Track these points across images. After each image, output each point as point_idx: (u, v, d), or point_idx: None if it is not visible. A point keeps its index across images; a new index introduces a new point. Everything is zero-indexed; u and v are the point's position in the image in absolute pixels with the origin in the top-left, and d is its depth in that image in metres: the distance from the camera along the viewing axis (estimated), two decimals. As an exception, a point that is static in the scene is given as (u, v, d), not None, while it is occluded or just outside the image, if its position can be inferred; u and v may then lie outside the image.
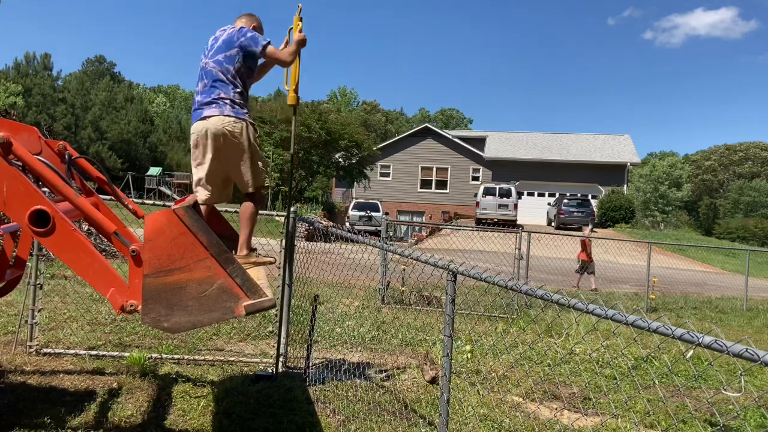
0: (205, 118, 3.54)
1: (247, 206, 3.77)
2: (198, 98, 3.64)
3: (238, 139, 3.54)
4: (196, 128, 3.57)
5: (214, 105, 3.54)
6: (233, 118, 3.52)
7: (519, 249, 9.85)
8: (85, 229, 8.42)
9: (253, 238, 3.85)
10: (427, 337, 7.03)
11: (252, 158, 3.62)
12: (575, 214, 28.04)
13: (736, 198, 60.41)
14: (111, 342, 5.70)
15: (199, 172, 3.71)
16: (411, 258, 3.36)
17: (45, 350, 5.19)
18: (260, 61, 3.88)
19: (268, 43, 3.66)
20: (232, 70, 3.59)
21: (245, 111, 3.63)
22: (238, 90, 3.61)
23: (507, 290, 3.92)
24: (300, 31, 4.10)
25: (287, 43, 4.16)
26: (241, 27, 3.69)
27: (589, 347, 6.76)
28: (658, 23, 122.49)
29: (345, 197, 39.72)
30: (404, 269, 9.95)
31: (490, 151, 39.59)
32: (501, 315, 8.74)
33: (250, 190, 3.71)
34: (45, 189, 2.77)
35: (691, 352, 6.40)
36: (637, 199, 51.07)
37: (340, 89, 76.75)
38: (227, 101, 3.54)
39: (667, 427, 4.61)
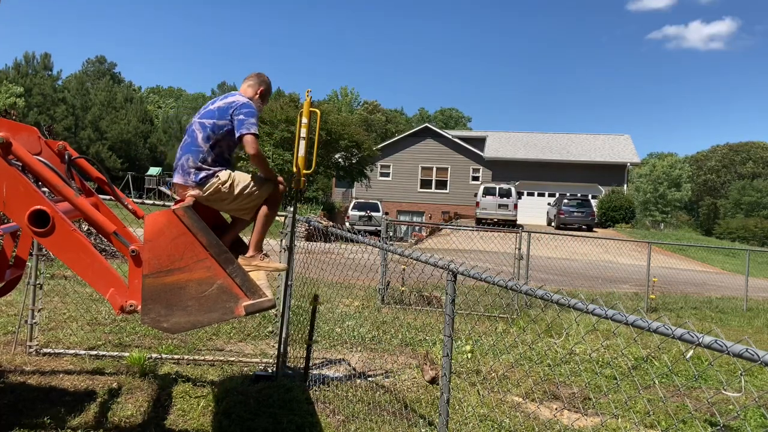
0: (177, 185, 3.47)
1: (262, 207, 3.62)
2: (178, 153, 3.55)
3: (217, 198, 3.42)
4: (178, 191, 3.51)
5: (181, 173, 3.43)
6: (200, 187, 3.38)
7: (519, 249, 9.85)
8: (85, 229, 8.42)
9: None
10: (427, 337, 7.03)
11: (239, 198, 3.45)
12: (575, 214, 28.04)
13: (738, 198, 60.44)
14: (111, 342, 5.70)
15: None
16: (411, 258, 3.36)
17: (45, 350, 5.19)
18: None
19: (252, 134, 3.42)
20: (212, 139, 3.42)
21: (217, 167, 3.44)
22: (208, 158, 3.43)
23: (507, 290, 3.92)
24: (306, 118, 4.09)
25: (300, 125, 4.20)
26: (244, 103, 3.49)
27: (589, 347, 6.76)
28: (658, 29, 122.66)
29: (345, 197, 39.71)
30: (404, 269, 9.95)
31: (490, 151, 39.59)
32: (501, 315, 8.74)
33: (250, 218, 3.62)
34: (45, 189, 2.77)
35: (691, 352, 6.39)
36: (636, 200, 51.12)
37: (342, 89, 76.81)
38: (192, 169, 3.40)
39: (667, 427, 4.61)
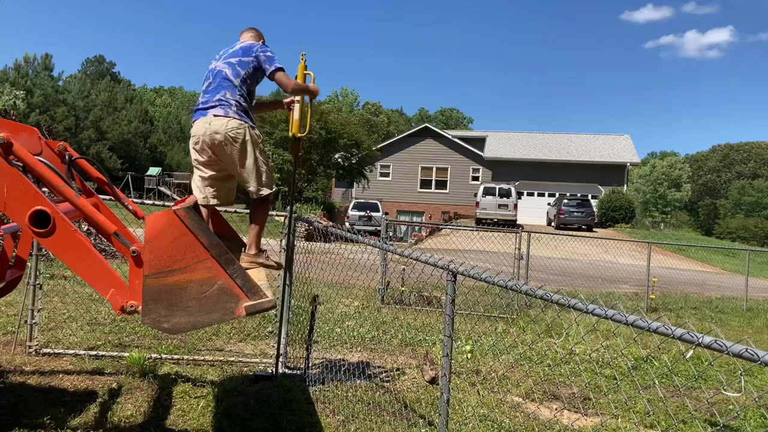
0: (207, 118, 3.49)
1: (256, 208, 3.73)
2: (202, 98, 3.60)
3: (241, 144, 3.47)
4: (198, 130, 3.51)
5: (218, 106, 3.48)
6: (237, 122, 3.45)
7: (519, 249, 9.85)
8: (85, 229, 8.42)
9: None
10: (427, 337, 7.03)
11: (256, 163, 3.54)
12: (575, 214, 28.04)
13: (738, 198, 60.45)
14: (111, 342, 5.69)
15: (199, 175, 3.69)
16: (411, 258, 3.36)
17: (44, 350, 5.19)
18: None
19: (281, 69, 3.66)
20: (242, 74, 3.57)
21: (248, 116, 3.58)
22: (243, 95, 3.58)
23: (507, 290, 3.92)
24: (300, 80, 4.09)
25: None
26: (265, 45, 3.76)
27: (589, 347, 6.76)
28: (659, 34, 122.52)
29: (345, 197, 39.71)
30: (404, 269, 9.95)
31: (490, 151, 39.58)
32: (501, 315, 8.74)
33: (255, 196, 3.68)
34: (45, 189, 2.77)
35: (691, 352, 6.40)
36: (636, 200, 51.14)
37: (342, 90, 76.81)
38: (232, 102, 3.50)
39: (667, 427, 4.61)
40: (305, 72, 4.18)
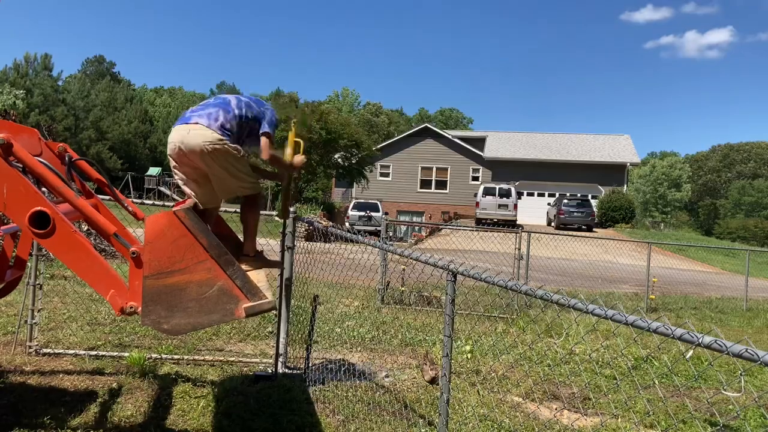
0: (188, 126, 3.38)
1: (245, 210, 3.71)
2: (191, 109, 3.54)
3: (218, 156, 3.36)
4: (175, 137, 3.40)
5: (205, 116, 3.39)
6: (217, 135, 3.34)
7: (519, 249, 9.85)
8: (85, 229, 8.42)
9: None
10: (427, 337, 7.03)
11: (230, 173, 3.44)
12: (575, 214, 28.04)
13: (738, 198, 60.45)
14: (111, 342, 5.70)
15: (186, 185, 3.61)
16: (411, 258, 3.36)
17: (45, 350, 5.19)
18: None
19: (268, 133, 3.58)
20: (244, 110, 3.50)
21: (229, 136, 3.43)
22: (235, 124, 3.46)
23: (507, 290, 3.92)
24: (295, 149, 3.92)
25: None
26: (273, 109, 3.74)
27: (589, 347, 6.76)
28: (656, 36, 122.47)
29: (345, 197, 39.70)
30: (404, 269, 9.95)
31: (490, 151, 39.57)
32: (501, 315, 8.74)
33: (238, 196, 3.66)
34: (45, 190, 2.77)
35: (691, 352, 6.39)
36: (636, 200, 51.14)
37: (343, 90, 76.76)
38: (220, 119, 3.39)
39: (667, 427, 4.61)
40: (295, 139, 4.04)
